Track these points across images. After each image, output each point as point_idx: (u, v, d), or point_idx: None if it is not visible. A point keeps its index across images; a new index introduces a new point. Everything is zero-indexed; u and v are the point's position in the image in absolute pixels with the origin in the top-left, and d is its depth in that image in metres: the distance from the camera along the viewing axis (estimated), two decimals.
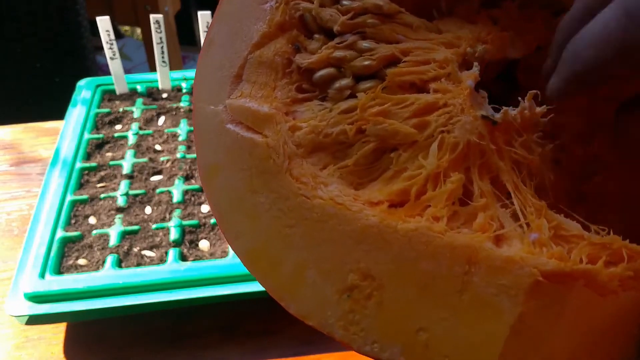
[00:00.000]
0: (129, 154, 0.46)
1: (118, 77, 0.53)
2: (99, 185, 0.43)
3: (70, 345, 0.37)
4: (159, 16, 0.50)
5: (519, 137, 0.20)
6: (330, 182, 0.20)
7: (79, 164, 0.45)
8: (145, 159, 0.45)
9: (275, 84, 0.21)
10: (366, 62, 0.21)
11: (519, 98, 0.20)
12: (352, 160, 0.20)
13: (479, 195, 0.19)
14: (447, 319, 0.18)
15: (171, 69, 0.54)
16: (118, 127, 0.50)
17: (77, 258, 0.38)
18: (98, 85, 0.54)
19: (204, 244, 0.39)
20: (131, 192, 0.42)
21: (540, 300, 0.17)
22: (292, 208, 0.20)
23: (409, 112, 0.20)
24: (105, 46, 0.51)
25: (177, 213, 0.40)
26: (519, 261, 0.17)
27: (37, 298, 0.35)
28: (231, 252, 0.37)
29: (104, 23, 0.50)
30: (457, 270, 0.18)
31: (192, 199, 0.42)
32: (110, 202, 0.42)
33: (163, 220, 0.40)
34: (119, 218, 0.40)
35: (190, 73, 0.56)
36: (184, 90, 0.54)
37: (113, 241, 0.38)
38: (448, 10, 0.24)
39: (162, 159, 0.45)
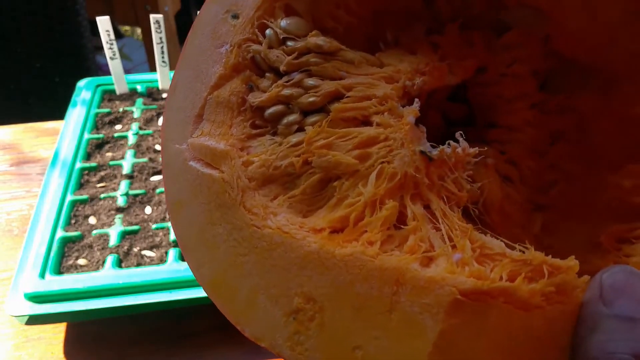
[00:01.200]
0: (129, 154, 0.46)
1: (118, 77, 0.53)
2: (99, 185, 0.43)
3: (70, 345, 0.37)
4: (159, 16, 0.50)
5: (451, 174, 0.21)
6: (279, 212, 0.21)
7: (79, 164, 0.45)
8: (145, 159, 0.45)
9: (231, 121, 0.23)
10: (311, 99, 0.22)
11: (458, 135, 0.21)
12: (299, 190, 0.22)
13: (412, 218, 0.21)
14: (379, 337, 0.19)
15: (171, 68, 0.54)
16: (118, 127, 0.50)
17: (77, 258, 0.38)
18: (98, 85, 0.54)
19: None
20: (131, 192, 0.42)
21: (461, 317, 0.18)
22: (245, 238, 0.21)
23: (352, 144, 0.22)
24: (105, 46, 0.51)
25: None
26: (439, 281, 0.19)
27: (37, 298, 0.35)
28: None
29: (104, 23, 0.50)
30: (387, 291, 0.19)
31: None
32: (110, 202, 0.42)
33: (163, 220, 0.40)
34: (119, 218, 0.40)
35: None
36: None
37: (113, 241, 0.38)
38: (394, 41, 0.25)
39: (161, 158, 0.45)
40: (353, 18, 0.25)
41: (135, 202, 0.42)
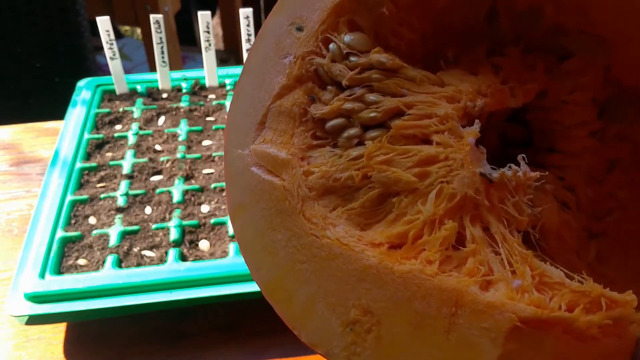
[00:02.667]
0: (129, 154, 0.46)
1: (118, 77, 0.53)
2: (99, 185, 0.43)
3: (70, 345, 0.37)
4: (159, 16, 0.50)
5: (512, 198, 0.22)
6: (338, 223, 0.22)
7: (79, 164, 0.45)
8: (145, 159, 0.45)
9: (293, 131, 0.24)
10: (372, 114, 0.23)
11: (520, 158, 0.22)
12: (358, 203, 0.22)
13: (471, 241, 0.21)
14: (436, 356, 0.19)
15: (171, 69, 0.54)
16: (118, 127, 0.50)
17: (77, 258, 0.38)
18: (98, 85, 0.54)
19: (204, 244, 0.39)
20: (131, 192, 0.42)
21: (519, 344, 0.18)
22: (304, 245, 0.22)
23: (412, 162, 0.22)
24: (105, 46, 0.51)
25: (177, 213, 0.40)
26: (499, 306, 0.19)
27: (37, 298, 0.35)
28: (231, 252, 0.37)
29: (104, 23, 0.50)
30: (445, 311, 0.19)
31: (192, 199, 0.42)
32: (110, 202, 0.42)
33: (163, 220, 0.40)
34: (119, 218, 0.40)
35: (190, 73, 0.56)
36: (184, 91, 0.54)
37: (113, 241, 0.38)
38: (454, 59, 0.25)
39: (162, 159, 0.45)
40: (414, 35, 0.25)
41: (135, 202, 0.42)
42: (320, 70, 0.24)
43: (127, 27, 1.69)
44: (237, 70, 0.55)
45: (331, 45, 0.24)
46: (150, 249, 0.38)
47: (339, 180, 0.22)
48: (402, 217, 0.21)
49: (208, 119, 0.51)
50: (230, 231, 0.39)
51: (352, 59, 0.23)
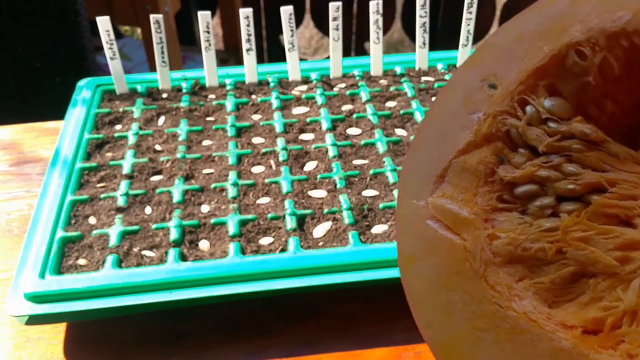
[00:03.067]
0: (129, 154, 0.46)
1: (118, 77, 0.53)
2: (98, 185, 0.43)
3: (71, 345, 0.37)
4: (159, 16, 0.50)
5: None
6: (524, 296, 0.21)
7: (79, 164, 0.45)
8: (145, 159, 0.45)
9: (476, 190, 0.23)
10: (571, 186, 0.22)
11: None
12: (548, 278, 0.21)
13: None
14: None
15: (171, 69, 0.54)
16: (118, 127, 0.50)
17: (77, 258, 0.38)
18: (98, 85, 0.54)
19: (204, 244, 0.38)
20: (131, 192, 0.42)
21: None
22: (484, 313, 0.20)
23: (613, 244, 0.21)
24: (105, 46, 0.51)
25: (177, 213, 0.40)
26: None
27: (37, 298, 0.35)
28: (231, 251, 0.37)
29: (104, 23, 0.50)
30: None
31: (192, 199, 0.42)
32: (110, 202, 0.42)
33: (163, 220, 0.40)
34: (119, 218, 0.40)
35: (190, 73, 0.56)
36: (184, 91, 0.54)
37: (113, 241, 0.38)
38: None
39: (162, 159, 0.45)
40: (618, 109, 0.24)
41: (135, 202, 0.42)
42: (513, 132, 0.23)
43: (127, 27, 1.69)
44: (237, 70, 0.55)
45: (528, 108, 0.23)
46: (150, 248, 0.38)
47: (528, 251, 0.21)
48: (598, 302, 0.20)
49: (208, 119, 0.51)
50: (231, 231, 0.39)
51: (552, 125, 0.22)
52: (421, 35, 0.54)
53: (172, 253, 0.37)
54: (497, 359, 0.20)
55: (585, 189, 0.22)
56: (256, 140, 0.48)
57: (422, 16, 0.53)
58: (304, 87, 0.54)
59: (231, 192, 0.42)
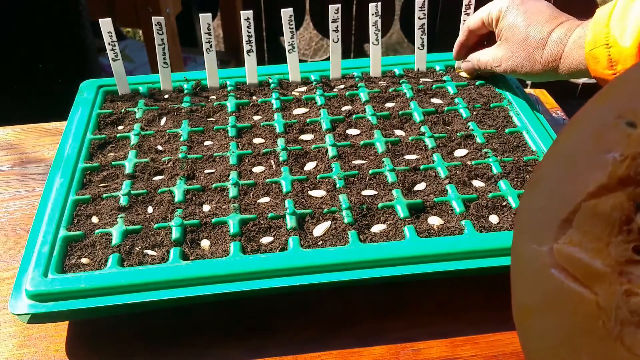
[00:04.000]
0: (131, 154, 0.46)
1: (120, 78, 0.53)
2: (101, 185, 0.44)
3: (73, 343, 0.37)
4: (161, 18, 0.51)
5: None
6: None
7: (81, 164, 0.45)
8: (147, 159, 0.46)
9: (609, 239, 0.20)
10: None
11: None
12: None
13: None
14: None
15: (173, 70, 0.54)
16: (120, 127, 0.50)
17: (79, 257, 0.38)
18: (100, 86, 0.54)
19: (205, 243, 0.39)
20: (133, 191, 0.43)
21: None
22: None
23: None
24: (108, 48, 0.51)
25: (178, 212, 0.41)
26: None
27: (40, 296, 0.35)
28: (232, 250, 0.38)
29: (106, 25, 0.50)
30: None
31: (193, 198, 0.42)
32: (113, 201, 0.42)
33: (164, 219, 0.40)
34: (121, 217, 0.40)
35: (191, 74, 0.56)
36: (185, 92, 0.54)
37: (115, 240, 0.39)
38: None
39: (163, 159, 0.46)
40: None
41: (137, 201, 0.42)
42: None
43: (129, 29, 1.69)
44: (238, 71, 0.56)
45: None
46: (152, 248, 0.38)
47: None
48: None
49: (209, 119, 0.51)
50: (231, 230, 0.39)
51: None
52: (420, 37, 0.55)
53: (174, 252, 0.37)
54: None
55: None
56: (257, 140, 0.48)
57: (420, 18, 0.54)
58: (304, 88, 0.54)
59: (232, 191, 0.42)
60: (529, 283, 0.21)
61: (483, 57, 0.51)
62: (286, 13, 0.51)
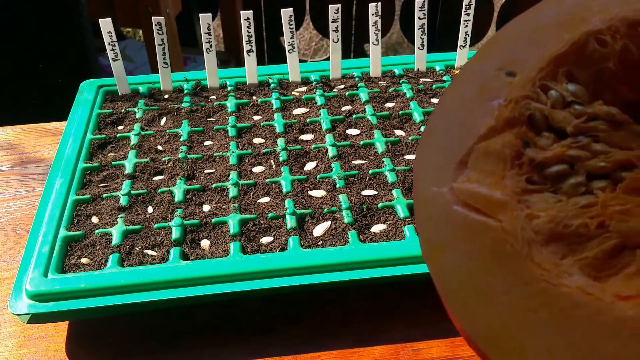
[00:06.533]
0: (131, 154, 0.46)
1: (120, 78, 0.53)
2: (101, 185, 0.44)
3: (73, 343, 0.37)
4: (161, 18, 0.51)
5: None
6: (573, 272, 0.20)
7: (81, 164, 0.45)
8: (147, 159, 0.46)
9: (503, 173, 0.22)
10: (602, 164, 0.22)
11: None
12: (592, 253, 0.21)
13: None
14: None
15: (173, 70, 0.54)
16: (120, 127, 0.50)
17: (79, 257, 0.38)
18: (100, 86, 0.54)
19: (205, 243, 0.39)
20: (133, 192, 0.43)
21: None
22: (534, 293, 0.20)
23: None
24: (108, 48, 0.51)
25: (178, 212, 0.41)
26: None
27: (40, 296, 0.35)
28: (232, 250, 0.38)
29: (106, 25, 0.50)
30: None
31: (194, 198, 0.42)
32: (113, 201, 0.42)
33: (164, 219, 0.40)
34: (121, 217, 0.40)
35: (191, 74, 0.56)
36: (186, 92, 0.54)
37: (115, 240, 0.39)
38: None
39: (163, 159, 0.46)
40: (633, 95, 0.24)
41: (137, 201, 0.42)
42: (537, 115, 0.23)
43: (129, 29, 1.69)
44: (238, 71, 0.56)
45: (553, 92, 0.23)
46: (152, 247, 0.38)
47: (569, 227, 0.21)
48: None
49: (209, 119, 0.51)
50: (231, 230, 0.39)
51: (577, 107, 0.23)
52: (420, 37, 0.55)
53: (174, 252, 0.37)
54: (554, 339, 0.19)
55: (615, 166, 0.22)
56: (257, 140, 0.48)
57: (420, 18, 0.54)
58: (304, 88, 0.54)
59: (232, 191, 0.42)
60: (435, 222, 0.22)
61: None
62: (286, 13, 0.51)
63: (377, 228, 0.40)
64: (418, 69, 0.57)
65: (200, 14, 0.51)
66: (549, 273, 0.20)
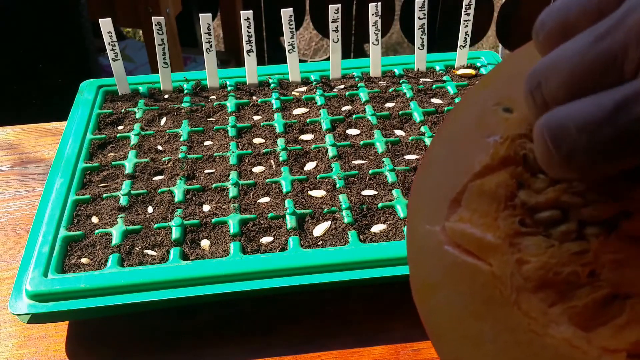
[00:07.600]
0: (131, 154, 0.46)
1: (120, 79, 0.53)
2: (101, 185, 0.44)
3: (73, 343, 0.37)
4: (161, 18, 0.51)
5: None
6: (561, 322, 0.20)
7: (81, 164, 0.45)
8: (147, 159, 0.46)
9: (497, 214, 0.22)
10: (595, 212, 0.21)
11: None
12: (582, 302, 0.20)
13: None
14: None
15: (172, 70, 0.54)
16: (120, 127, 0.50)
17: (79, 257, 0.38)
18: (100, 87, 0.54)
19: (205, 243, 0.39)
20: (133, 192, 0.43)
21: None
22: (520, 343, 0.20)
23: None
24: (108, 48, 0.51)
25: (178, 212, 0.41)
26: None
27: (40, 296, 0.35)
28: (232, 250, 0.38)
29: (106, 25, 0.50)
30: None
31: (194, 198, 0.42)
32: (113, 201, 0.42)
33: (164, 219, 0.40)
34: (121, 217, 0.40)
35: (191, 74, 0.56)
36: (185, 92, 0.54)
37: (115, 240, 0.39)
38: None
39: (163, 159, 0.46)
40: None
41: (137, 201, 0.42)
42: (531, 156, 0.22)
43: (129, 29, 1.69)
44: (238, 71, 0.56)
45: None
46: (152, 247, 0.38)
47: (560, 275, 0.20)
48: (638, 323, 0.19)
49: (209, 119, 0.51)
50: (231, 230, 0.39)
51: None
52: (420, 37, 0.55)
53: (174, 252, 0.37)
54: None
55: (609, 214, 0.21)
56: (257, 140, 0.48)
57: (420, 18, 0.54)
58: (304, 88, 0.54)
59: (232, 191, 0.42)
60: (426, 261, 0.22)
61: None
62: (286, 13, 0.51)
63: (377, 228, 0.40)
64: (418, 69, 0.57)
65: (200, 14, 0.51)
66: (536, 322, 0.20)
